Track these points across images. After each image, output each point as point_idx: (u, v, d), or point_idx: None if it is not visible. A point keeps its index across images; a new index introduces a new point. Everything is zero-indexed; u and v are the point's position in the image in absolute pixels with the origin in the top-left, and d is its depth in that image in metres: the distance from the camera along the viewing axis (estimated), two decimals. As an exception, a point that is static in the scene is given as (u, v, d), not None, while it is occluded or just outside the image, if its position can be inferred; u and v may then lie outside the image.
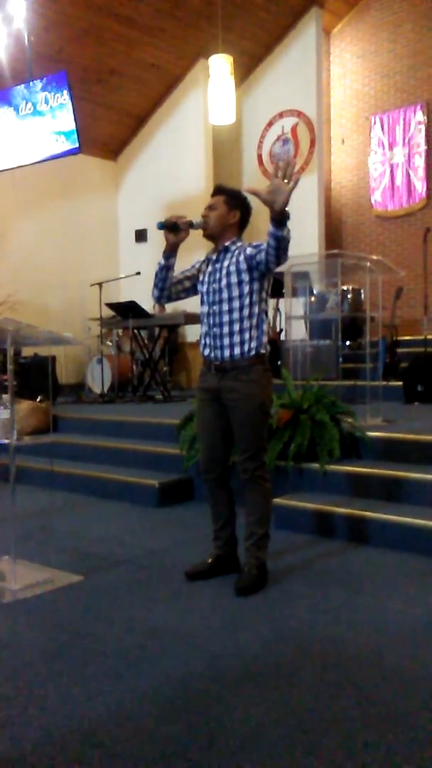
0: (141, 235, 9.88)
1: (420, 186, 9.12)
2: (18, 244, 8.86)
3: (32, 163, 7.50)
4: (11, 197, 8.68)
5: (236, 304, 2.89)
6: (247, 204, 3.00)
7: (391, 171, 9.40)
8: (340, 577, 3.04)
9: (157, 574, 3.15)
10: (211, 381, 2.98)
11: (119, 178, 10.26)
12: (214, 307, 2.95)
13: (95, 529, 4.02)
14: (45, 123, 7.23)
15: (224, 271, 2.92)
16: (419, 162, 9.13)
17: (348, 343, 6.91)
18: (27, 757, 1.74)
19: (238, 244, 2.97)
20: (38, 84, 7.20)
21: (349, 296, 7.00)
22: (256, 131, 9.81)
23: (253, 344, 2.89)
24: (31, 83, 7.24)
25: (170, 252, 3.05)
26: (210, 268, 3.00)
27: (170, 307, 7.57)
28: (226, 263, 2.93)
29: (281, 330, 7.54)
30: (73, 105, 7.04)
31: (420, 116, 9.08)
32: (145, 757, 1.73)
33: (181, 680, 2.13)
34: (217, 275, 2.94)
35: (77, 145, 7.12)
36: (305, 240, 8.95)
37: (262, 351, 2.93)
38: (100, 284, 7.78)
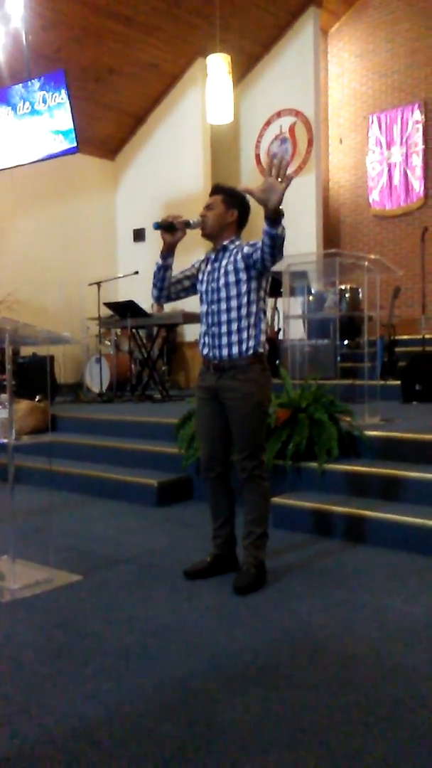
0: (139, 235, 9.88)
1: (417, 185, 9.14)
2: (16, 243, 8.85)
3: (30, 163, 7.49)
4: (9, 197, 8.68)
5: (234, 303, 2.89)
6: (245, 202, 2.99)
7: (389, 170, 9.41)
8: (338, 576, 3.05)
9: (156, 573, 3.16)
10: (209, 380, 2.99)
11: (117, 178, 10.25)
12: (213, 307, 2.95)
13: (94, 528, 4.02)
14: (43, 122, 7.23)
15: (222, 270, 2.92)
16: (417, 161, 9.14)
17: (346, 342, 6.92)
18: (26, 756, 1.75)
19: (237, 243, 2.97)
20: (36, 83, 7.20)
21: (347, 295, 7.01)
22: (254, 130, 9.81)
23: (251, 343, 2.90)
24: (29, 82, 7.24)
25: (167, 252, 3.05)
26: (209, 268, 3.01)
27: (169, 307, 7.57)
28: (224, 262, 2.93)
29: (279, 329, 7.55)
30: (71, 104, 7.03)
31: (417, 115, 9.09)
32: (144, 756, 1.74)
33: (181, 679, 2.13)
34: (216, 274, 2.95)
35: (75, 144, 7.12)
36: (303, 239, 8.96)
37: (261, 350, 2.93)
38: (98, 283, 7.79)
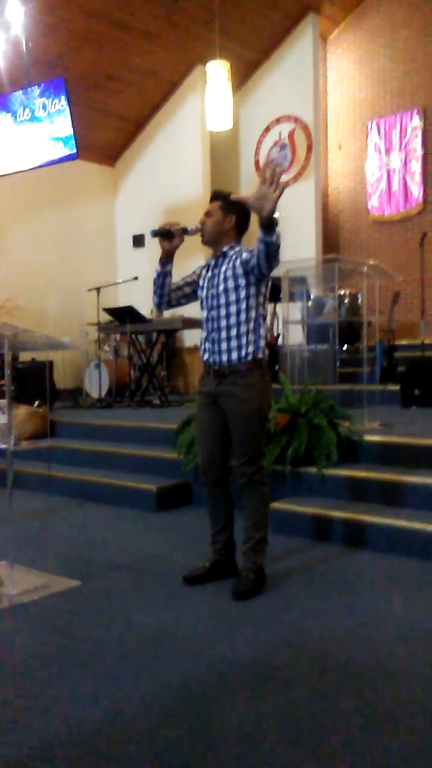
0: (138, 241, 9.90)
1: (417, 191, 9.16)
2: (16, 249, 8.86)
3: (30, 169, 7.51)
4: (9, 203, 8.70)
5: (233, 309, 2.90)
6: (243, 208, 2.98)
7: (388, 176, 9.44)
8: (337, 581, 3.04)
9: (154, 578, 3.15)
10: (209, 385, 2.99)
11: (117, 184, 10.28)
12: (213, 312, 2.96)
13: (93, 534, 4.01)
14: (43, 129, 7.25)
15: (221, 276, 2.93)
16: (416, 167, 9.17)
17: (345, 347, 6.93)
18: (25, 762, 1.74)
19: (236, 248, 2.98)
20: (36, 90, 7.22)
21: (346, 301, 7.03)
22: (253, 137, 9.84)
23: (251, 349, 2.90)
24: (28, 89, 7.26)
25: (166, 259, 3.07)
26: (209, 274, 3.02)
27: (168, 312, 7.57)
28: (223, 268, 2.94)
29: (279, 334, 7.56)
30: (70, 111, 7.06)
31: (416, 121, 9.12)
32: (143, 761, 1.73)
33: (179, 685, 2.13)
34: (215, 280, 2.96)
35: (75, 150, 7.15)
36: (302, 245, 8.99)
37: (260, 355, 2.93)
38: (97, 289, 7.80)
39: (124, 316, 7.26)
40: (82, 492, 4.89)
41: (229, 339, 2.91)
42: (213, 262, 3.03)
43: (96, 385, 7.94)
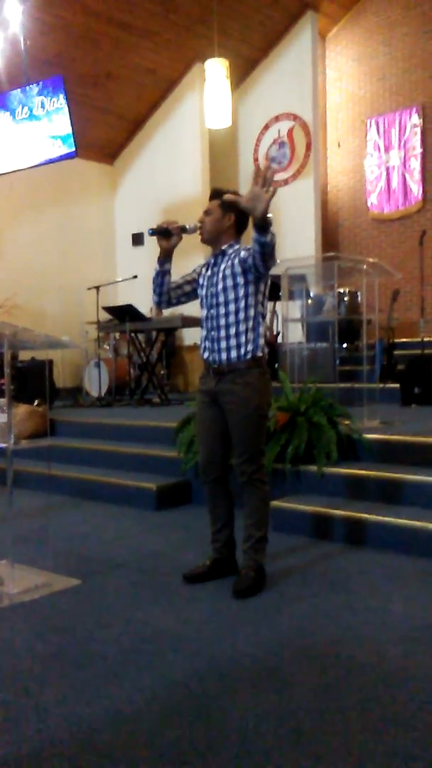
0: (138, 239, 9.89)
1: (416, 189, 9.15)
2: (15, 248, 8.86)
3: (29, 168, 7.51)
4: (8, 201, 8.70)
5: (232, 307, 2.90)
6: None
7: (387, 174, 9.43)
8: (338, 580, 3.04)
9: (155, 577, 3.15)
10: (209, 383, 2.99)
11: (116, 182, 10.27)
12: (212, 311, 2.96)
13: (93, 532, 4.01)
14: (41, 127, 7.24)
15: (221, 275, 2.93)
16: (415, 165, 9.16)
17: (345, 345, 6.92)
18: (25, 761, 1.74)
19: (236, 247, 2.98)
20: (34, 88, 7.21)
21: (345, 299, 7.01)
22: (252, 135, 9.83)
23: (250, 347, 2.90)
24: (27, 88, 7.25)
25: (164, 258, 3.07)
26: (209, 272, 3.02)
27: (167, 311, 7.57)
28: (222, 267, 2.94)
29: (278, 333, 7.55)
30: (69, 109, 7.05)
31: (415, 119, 9.11)
32: (143, 760, 1.73)
33: (180, 683, 2.13)
34: (215, 279, 2.96)
35: (74, 149, 7.14)
36: (302, 243, 8.98)
37: (259, 354, 2.93)
38: (97, 288, 7.79)
39: (124, 314, 7.25)
40: (82, 491, 4.89)
41: (228, 337, 2.91)
42: (212, 261, 3.02)
43: (96, 383, 7.94)
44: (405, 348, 6.93)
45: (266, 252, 2.69)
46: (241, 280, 2.88)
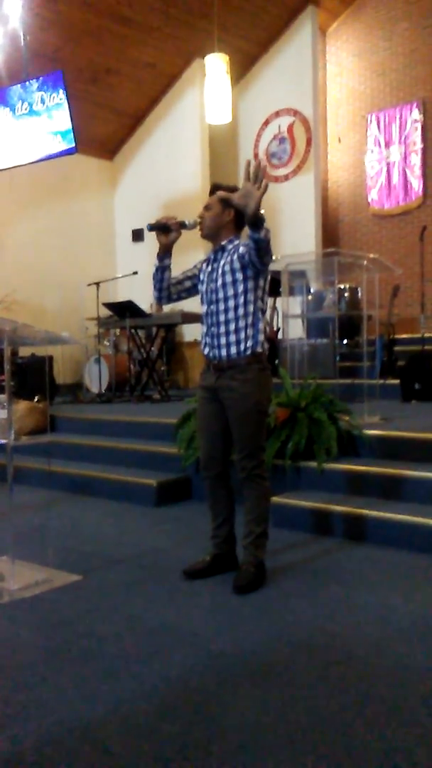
0: (138, 235, 9.88)
1: (416, 184, 9.13)
2: (15, 243, 8.85)
3: (29, 163, 7.49)
4: (8, 197, 8.68)
5: (231, 303, 2.90)
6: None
7: (388, 169, 9.41)
8: (338, 575, 3.04)
9: (155, 573, 3.16)
10: (209, 379, 2.99)
11: (116, 178, 10.25)
12: (212, 307, 2.95)
13: (93, 528, 4.02)
14: (41, 123, 7.23)
15: (220, 271, 2.93)
16: (415, 160, 9.14)
17: (345, 341, 6.92)
18: (25, 756, 1.75)
19: (235, 242, 2.97)
20: (34, 84, 7.20)
21: (346, 295, 7.01)
22: (252, 130, 9.82)
23: (249, 343, 2.90)
24: (27, 83, 7.24)
25: (164, 253, 3.06)
26: (209, 268, 3.01)
27: (168, 307, 7.56)
28: (222, 262, 2.94)
29: (278, 329, 7.55)
30: (69, 104, 7.03)
31: (416, 114, 9.08)
32: (143, 756, 1.73)
33: (180, 679, 2.13)
34: (214, 275, 2.95)
35: (74, 144, 7.12)
36: (302, 239, 8.97)
37: (259, 350, 2.93)
38: (97, 284, 7.78)
39: (124, 310, 7.25)
40: (82, 487, 4.90)
41: (227, 333, 2.91)
42: (212, 257, 3.02)
43: (96, 379, 7.94)
44: (405, 344, 6.93)
45: (261, 248, 2.69)
46: (240, 275, 2.88)
